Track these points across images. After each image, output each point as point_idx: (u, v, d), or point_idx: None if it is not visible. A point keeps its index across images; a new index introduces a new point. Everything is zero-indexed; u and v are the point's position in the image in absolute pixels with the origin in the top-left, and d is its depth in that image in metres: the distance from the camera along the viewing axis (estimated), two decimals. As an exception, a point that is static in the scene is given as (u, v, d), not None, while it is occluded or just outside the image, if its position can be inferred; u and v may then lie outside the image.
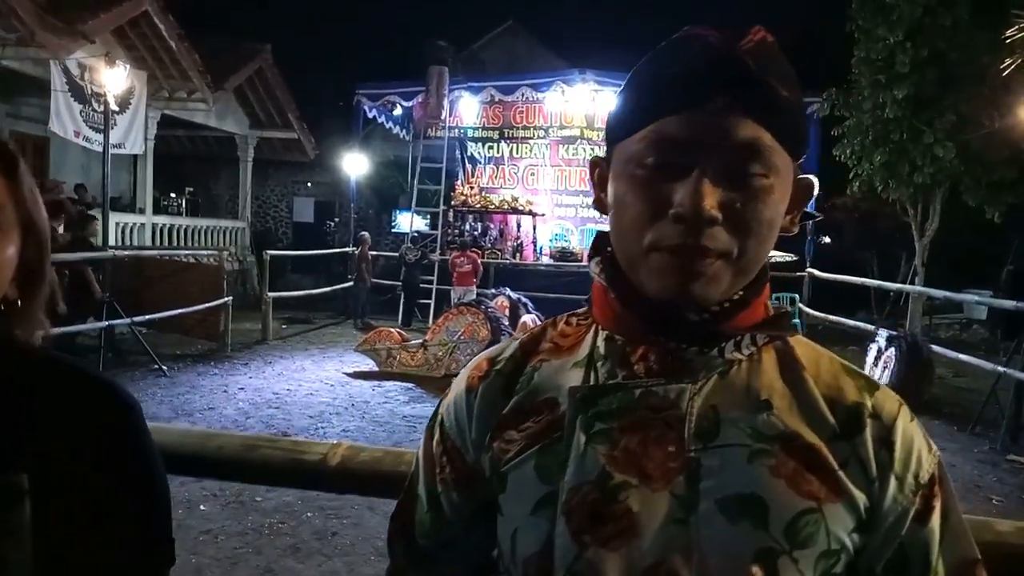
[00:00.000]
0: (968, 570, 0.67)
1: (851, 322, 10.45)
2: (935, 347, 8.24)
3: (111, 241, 8.92)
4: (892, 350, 7.91)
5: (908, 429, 0.68)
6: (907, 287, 11.29)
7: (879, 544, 0.66)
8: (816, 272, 11.85)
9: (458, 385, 0.78)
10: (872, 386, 0.70)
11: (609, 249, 0.71)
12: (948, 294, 9.32)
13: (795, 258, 12.32)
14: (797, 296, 11.94)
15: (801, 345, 0.72)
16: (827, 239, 17.14)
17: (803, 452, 0.65)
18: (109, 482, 0.81)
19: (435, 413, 0.80)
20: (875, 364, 8.30)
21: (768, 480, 0.63)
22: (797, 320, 11.71)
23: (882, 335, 8.42)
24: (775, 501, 0.62)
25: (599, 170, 0.74)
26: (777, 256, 12.11)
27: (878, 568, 0.66)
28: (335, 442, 1.13)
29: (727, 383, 0.67)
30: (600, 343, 0.72)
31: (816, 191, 0.71)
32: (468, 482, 0.75)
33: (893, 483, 0.65)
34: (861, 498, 0.64)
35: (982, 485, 5.46)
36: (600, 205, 0.73)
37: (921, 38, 9.64)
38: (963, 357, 7.89)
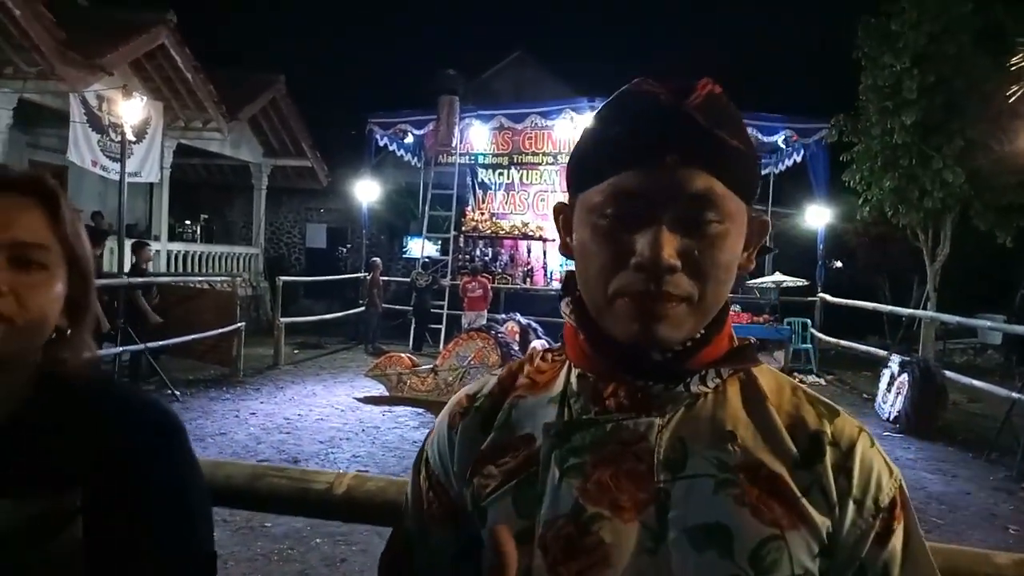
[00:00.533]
0: None
1: (863, 347, 10.39)
2: (949, 373, 8.17)
3: (126, 268, 9.04)
4: (905, 375, 7.86)
5: (867, 454, 0.70)
6: (919, 312, 11.24)
7: (841, 567, 0.68)
8: (828, 297, 11.82)
9: (441, 422, 0.81)
10: (832, 413, 0.72)
11: (578, 292, 0.74)
12: (961, 319, 9.26)
13: (807, 283, 12.30)
14: (809, 321, 11.90)
15: (764, 375, 0.74)
16: (839, 264, 17.10)
17: (766, 481, 0.67)
18: (157, 500, 0.86)
19: (421, 449, 0.82)
20: (888, 389, 8.24)
21: (733, 509, 0.65)
22: (809, 345, 11.65)
23: (895, 360, 8.38)
24: (740, 529, 0.65)
25: (563, 215, 0.76)
26: (789, 281, 12.09)
27: None
28: (341, 472, 1.17)
29: (693, 415, 0.70)
30: (573, 380, 0.74)
31: (770, 229, 0.74)
32: (453, 516, 0.77)
33: (852, 508, 0.68)
34: (823, 524, 0.67)
35: (998, 514, 5.38)
36: (566, 249, 0.75)
37: (927, 65, 9.72)
38: (977, 383, 7.82)
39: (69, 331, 0.88)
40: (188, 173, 16.49)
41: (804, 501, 0.67)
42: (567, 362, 0.76)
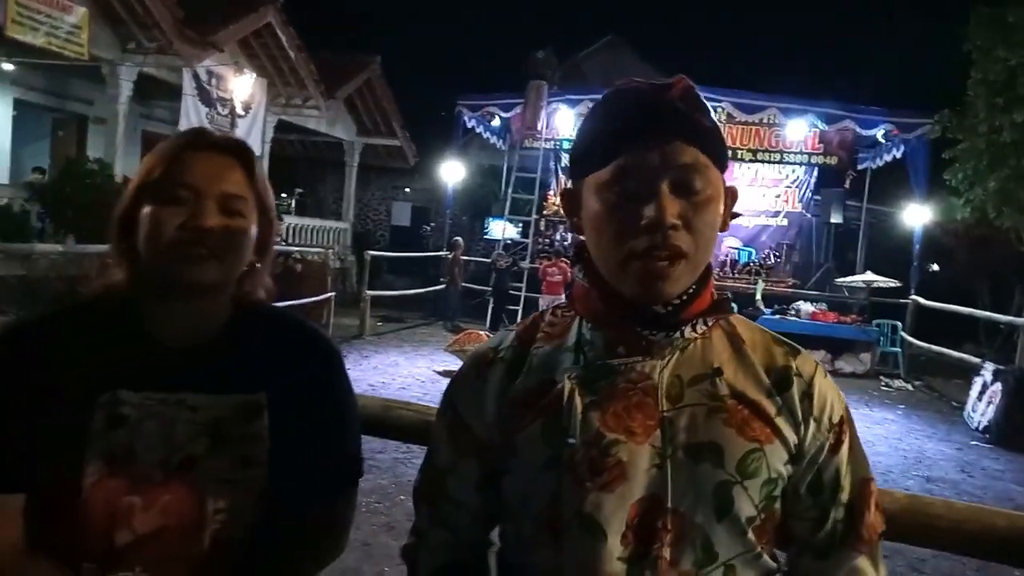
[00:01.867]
0: (865, 485, 0.89)
1: (956, 354, 9.99)
2: (1047, 384, 7.78)
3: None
4: (998, 385, 7.56)
5: (823, 384, 0.89)
6: (1019, 320, 10.67)
7: (803, 471, 0.87)
8: (921, 300, 11.37)
9: (467, 372, 0.95)
10: (795, 351, 0.90)
11: (587, 255, 0.89)
12: (1065, 330, 8.76)
13: (899, 284, 11.86)
14: (899, 324, 11.49)
15: (740, 324, 0.91)
16: (935, 266, 16.35)
17: (748, 406, 0.84)
18: (322, 404, 1.09)
19: (446, 396, 0.97)
20: (979, 398, 7.94)
21: (722, 429, 0.82)
22: (898, 349, 11.25)
23: (988, 369, 8.06)
24: (729, 445, 0.82)
25: (569, 200, 0.91)
26: (880, 281, 11.69)
27: (802, 488, 0.87)
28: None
29: (686, 357, 0.86)
30: (586, 331, 0.89)
31: (737, 196, 0.90)
32: (477, 452, 0.91)
33: (813, 425, 0.86)
34: (792, 438, 0.85)
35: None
36: (575, 228, 0.91)
37: (1046, 59, 9.16)
38: (1078, 397, 7.41)
39: (258, 265, 1.08)
40: (286, 148, 17.22)
41: (777, 420, 0.85)
42: (576, 317, 0.91)
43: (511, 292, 12.90)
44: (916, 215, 12.59)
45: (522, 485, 0.86)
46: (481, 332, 9.65)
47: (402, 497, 4.52)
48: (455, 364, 8.98)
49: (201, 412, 1.00)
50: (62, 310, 1.07)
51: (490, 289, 13.06)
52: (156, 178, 0.99)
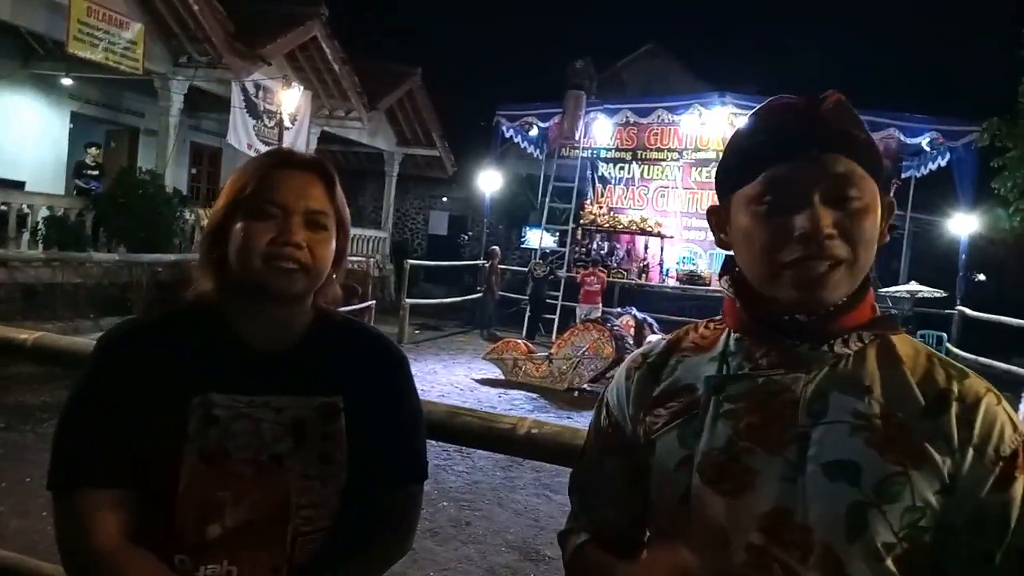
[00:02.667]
0: None
1: (1005, 366, 9.72)
2: (1102, 400, 7.54)
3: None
4: (1049, 399, 7.34)
5: (991, 409, 0.80)
6: (1072, 333, 10.35)
7: (960, 504, 0.78)
8: (967, 310, 11.11)
9: (620, 374, 0.99)
10: (962, 375, 0.84)
11: (737, 270, 0.90)
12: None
13: (945, 294, 11.60)
14: (944, 335, 11.24)
15: (903, 342, 0.87)
16: (982, 276, 15.94)
17: (896, 428, 0.80)
18: (392, 407, 1.17)
19: (601, 397, 1.02)
20: (1030, 413, 7.73)
21: (864, 449, 0.79)
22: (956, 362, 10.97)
23: (1039, 383, 7.83)
24: (868, 465, 0.78)
25: (716, 216, 0.92)
26: (925, 291, 11.45)
27: (959, 523, 0.78)
28: (523, 416, 1.39)
29: (836, 373, 0.83)
30: (731, 343, 0.90)
31: (895, 207, 0.88)
32: (627, 449, 0.94)
33: (972, 453, 0.78)
34: (945, 465, 0.78)
35: None
36: (722, 244, 0.91)
37: (1101, 65, 8.92)
38: None
39: (334, 276, 1.15)
40: (328, 159, 17.34)
41: (927, 445, 0.79)
42: (726, 329, 0.93)
43: (548, 301, 12.93)
44: (962, 224, 12.31)
45: (659, 483, 0.89)
46: (519, 341, 9.69)
47: (444, 503, 4.59)
48: (493, 372, 9.05)
49: (285, 413, 1.07)
50: (158, 318, 1.16)
51: (527, 298, 13.12)
52: (246, 195, 1.07)
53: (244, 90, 11.52)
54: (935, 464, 0.78)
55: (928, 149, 12.70)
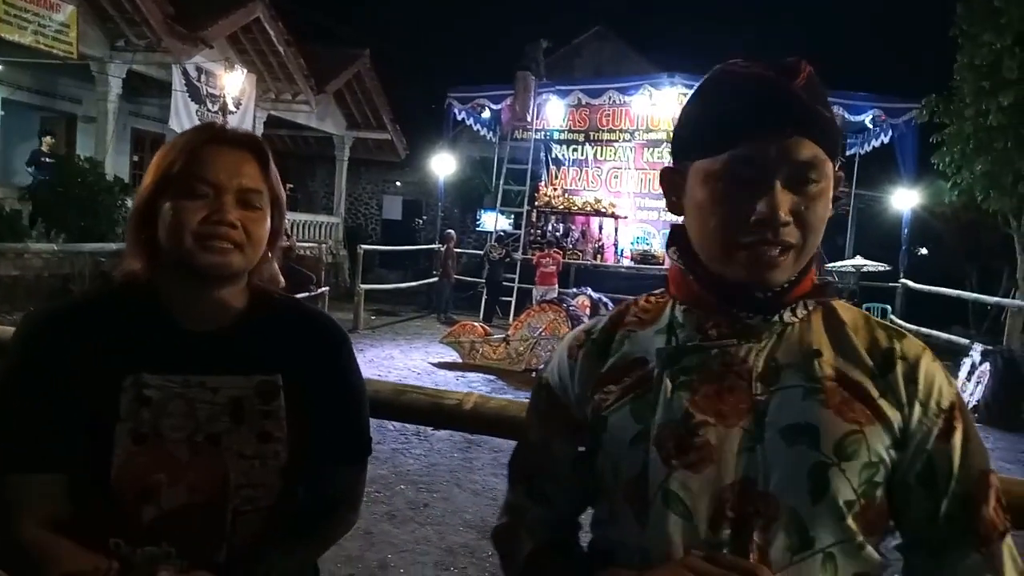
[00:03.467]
0: (983, 477, 0.83)
1: (945, 335, 10.11)
2: (1035, 364, 7.90)
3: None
4: (987, 365, 7.66)
5: (930, 368, 0.84)
6: (1006, 301, 10.81)
7: (911, 457, 0.82)
8: (910, 283, 11.49)
9: (560, 353, 0.96)
10: (899, 335, 0.87)
11: (685, 239, 0.89)
12: (1052, 310, 8.89)
13: (888, 268, 11.97)
14: (888, 308, 11.62)
15: (842, 307, 0.89)
16: (924, 250, 16.51)
17: (848, 387, 0.82)
18: (333, 385, 1.15)
19: (540, 378, 0.99)
20: (968, 379, 8.05)
21: (819, 411, 0.80)
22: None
23: (976, 350, 8.16)
24: (826, 426, 0.79)
25: (671, 181, 0.90)
26: (870, 265, 11.80)
27: (911, 478, 0.81)
28: (469, 392, 1.39)
29: (784, 340, 0.85)
30: (679, 314, 0.89)
31: (843, 180, 0.89)
32: (570, 430, 0.93)
33: (918, 408, 0.82)
34: (895, 421, 0.81)
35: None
36: (674, 208, 0.90)
37: (1031, 43, 9.25)
38: (1065, 376, 7.54)
39: (270, 254, 1.13)
40: (275, 143, 17.17)
41: (880, 402, 0.81)
42: (670, 301, 0.92)
43: (504, 283, 12.95)
44: (904, 199, 12.70)
45: (612, 460, 0.87)
46: (475, 324, 9.69)
47: (402, 486, 4.58)
48: (450, 356, 9.03)
49: (221, 392, 1.05)
50: (88, 299, 1.13)
51: (483, 281, 13.11)
52: (175, 173, 1.03)
53: (185, 74, 11.18)
54: (888, 420, 0.81)
55: (871, 126, 13.03)
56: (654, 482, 0.82)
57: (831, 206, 0.87)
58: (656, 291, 0.97)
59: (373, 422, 1.22)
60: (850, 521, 0.78)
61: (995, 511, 0.82)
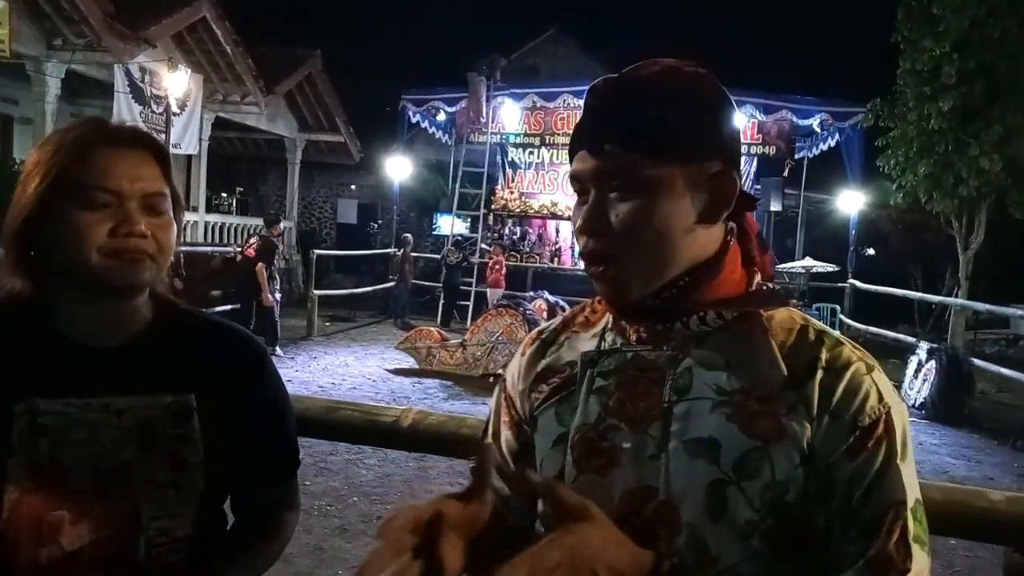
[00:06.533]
0: (893, 508, 0.73)
1: (892, 334, 10.38)
2: (978, 361, 8.16)
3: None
4: (932, 363, 7.87)
5: (856, 378, 0.77)
6: (950, 300, 11.16)
7: (817, 475, 0.75)
8: (858, 283, 11.76)
9: (519, 350, 0.99)
10: (835, 344, 0.80)
11: None
12: (992, 308, 9.20)
13: (837, 269, 12.25)
14: (838, 307, 11.87)
15: (781, 314, 0.83)
16: (871, 250, 16.95)
17: (756, 402, 0.77)
18: (253, 402, 1.06)
19: (502, 374, 1.00)
20: (915, 376, 8.25)
21: (723, 425, 0.77)
22: (836, 332, 11.61)
23: (923, 348, 8.38)
24: (727, 442, 0.76)
25: None
26: (819, 266, 12.05)
27: (813, 491, 0.75)
28: (407, 407, 1.31)
29: (702, 349, 0.81)
30: (610, 320, 0.90)
31: (737, 187, 0.82)
32: (517, 424, 0.94)
33: (827, 420, 0.75)
34: (804, 436, 0.75)
35: (1019, 499, 5.43)
36: None
37: (968, 49, 9.56)
38: (1006, 372, 7.81)
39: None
40: (225, 146, 16.78)
41: (787, 418, 0.76)
42: None
43: (462, 287, 12.86)
44: (851, 201, 13.00)
45: (540, 461, 0.88)
46: (432, 328, 9.58)
47: (355, 499, 4.46)
48: (407, 362, 8.90)
49: (128, 415, 0.96)
50: None
51: (440, 285, 13.00)
52: (66, 180, 0.93)
53: (128, 74, 10.81)
54: (795, 437, 0.75)
55: (819, 130, 13.33)
56: (567, 485, 0.81)
57: (719, 212, 0.82)
58: None
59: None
60: (755, 541, 0.74)
61: (896, 547, 0.72)
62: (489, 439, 0.98)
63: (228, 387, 1.03)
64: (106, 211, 0.93)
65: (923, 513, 0.76)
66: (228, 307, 9.20)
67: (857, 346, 0.82)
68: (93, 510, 0.93)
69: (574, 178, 0.83)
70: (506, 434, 0.96)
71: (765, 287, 0.87)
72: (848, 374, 0.77)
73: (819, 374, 0.77)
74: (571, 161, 0.85)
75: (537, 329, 0.99)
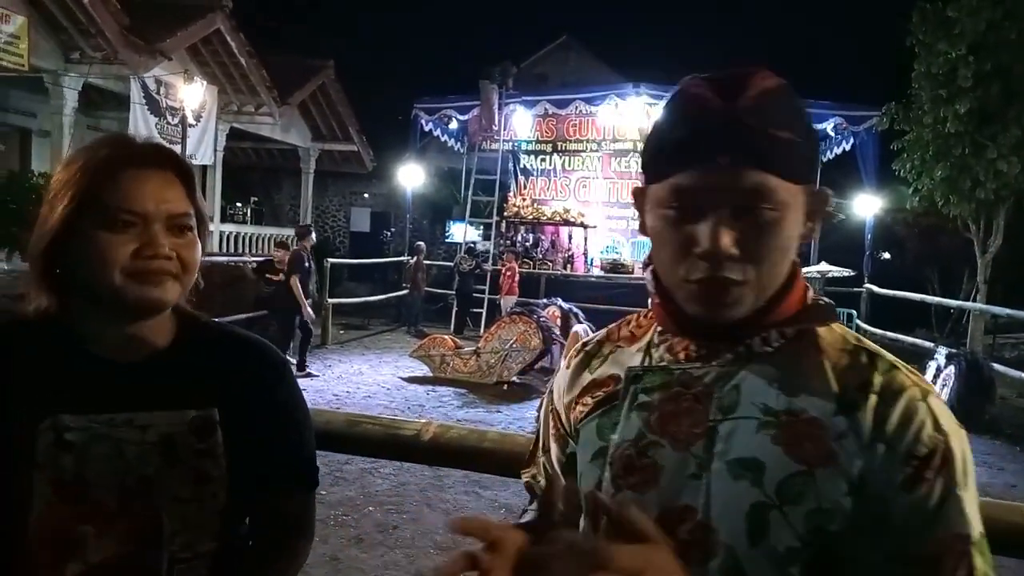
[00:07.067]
0: (957, 543, 0.70)
1: (910, 339, 10.26)
2: (998, 366, 8.04)
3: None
4: (951, 368, 7.76)
5: (912, 405, 0.73)
6: (968, 304, 11.03)
7: (868, 504, 0.72)
8: (874, 288, 11.66)
9: (563, 363, 0.99)
10: (889, 368, 0.77)
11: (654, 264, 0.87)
12: (1012, 312, 9.08)
13: (853, 273, 12.13)
14: (855, 313, 11.75)
15: (830, 333, 0.81)
16: (887, 255, 16.79)
17: (804, 424, 0.74)
18: (275, 416, 1.06)
19: (549, 382, 1.01)
20: (933, 382, 8.15)
21: (768, 447, 0.74)
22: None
23: (941, 353, 8.26)
24: (771, 464, 0.73)
25: (638, 201, 0.87)
26: (835, 271, 11.95)
27: (866, 525, 0.72)
28: (427, 420, 1.31)
29: (752, 367, 0.79)
30: (656, 334, 0.88)
31: (832, 199, 0.82)
32: (564, 437, 0.94)
33: (882, 450, 0.72)
34: (854, 464, 0.72)
35: (1043, 506, 5.34)
36: (643, 228, 0.86)
37: (984, 52, 9.47)
38: (1027, 377, 7.69)
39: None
40: (239, 156, 16.91)
41: (837, 443, 0.73)
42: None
43: (475, 295, 12.85)
44: (867, 205, 12.90)
45: (581, 474, 0.87)
46: (445, 336, 9.58)
47: (370, 508, 4.46)
48: (421, 370, 8.91)
49: (152, 431, 0.96)
50: None
51: (454, 293, 13.00)
52: (92, 201, 0.94)
53: (144, 86, 10.93)
54: (843, 463, 0.72)
55: (833, 134, 13.23)
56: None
57: (815, 228, 0.81)
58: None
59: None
60: (794, 570, 0.72)
61: None
62: (540, 451, 0.99)
63: (249, 399, 1.04)
64: (131, 232, 0.94)
65: (987, 547, 0.72)
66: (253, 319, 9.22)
67: (912, 370, 0.78)
68: (117, 525, 0.93)
69: (685, 192, 0.76)
70: (554, 447, 0.96)
71: (820, 301, 0.84)
72: (903, 401, 0.74)
73: (872, 400, 0.74)
74: (665, 172, 0.78)
75: (582, 341, 0.98)
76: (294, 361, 8.76)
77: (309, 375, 8.39)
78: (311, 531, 1.15)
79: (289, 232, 16.29)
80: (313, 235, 9.23)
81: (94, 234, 0.93)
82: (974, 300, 11.21)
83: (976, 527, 0.71)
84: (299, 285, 8.45)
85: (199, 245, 1.00)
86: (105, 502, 0.93)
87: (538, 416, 1.03)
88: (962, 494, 0.72)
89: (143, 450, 0.96)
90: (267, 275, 8.84)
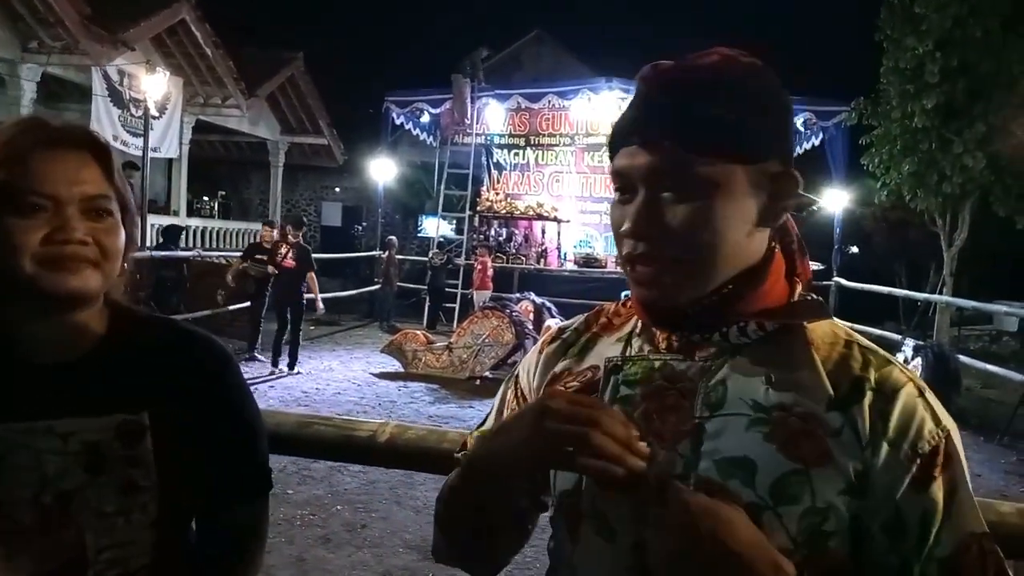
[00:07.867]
0: (974, 541, 0.69)
1: (878, 332, 10.38)
2: (963, 358, 8.17)
3: (147, 242, 9.18)
4: (918, 360, 7.85)
5: (910, 402, 0.71)
6: (934, 297, 11.20)
7: (876, 506, 0.70)
8: (843, 281, 11.79)
9: (536, 345, 0.95)
10: (882, 363, 0.74)
11: None
12: (977, 304, 9.23)
13: (822, 267, 12.26)
14: (823, 305, 11.86)
15: (823, 327, 0.78)
16: (855, 249, 17.03)
17: (797, 420, 0.71)
18: (216, 417, 0.98)
19: (514, 368, 0.96)
20: (901, 374, 8.27)
21: (760, 445, 0.71)
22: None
23: (908, 345, 8.37)
24: (764, 463, 0.70)
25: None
26: (803, 265, 12.05)
27: (875, 527, 0.70)
28: (383, 420, 1.24)
29: (739, 361, 0.75)
30: (638, 324, 0.84)
31: (800, 183, 0.77)
32: None
33: (886, 449, 0.70)
34: (852, 463, 0.70)
35: (1009, 495, 5.42)
36: None
37: (951, 48, 9.59)
38: (992, 368, 7.83)
39: (125, 265, 0.96)
40: (206, 149, 16.61)
41: (831, 441, 0.70)
42: None
43: (447, 290, 12.76)
44: (835, 200, 13.03)
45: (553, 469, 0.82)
46: (418, 332, 9.48)
47: (338, 507, 4.37)
48: (392, 366, 8.80)
49: (73, 439, 0.88)
50: None
51: (426, 288, 12.90)
52: (0, 187, 0.86)
53: (106, 77, 10.66)
54: (839, 462, 0.70)
55: (802, 129, 13.32)
56: (586, 499, 0.77)
57: (779, 212, 0.76)
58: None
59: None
60: None
61: None
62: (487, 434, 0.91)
63: (188, 401, 0.95)
64: (41, 217, 0.86)
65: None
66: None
67: (905, 367, 0.76)
68: (34, 544, 0.86)
69: (619, 174, 0.76)
70: None
71: (808, 298, 0.80)
72: (901, 397, 0.72)
73: (868, 396, 0.72)
74: (612, 155, 0.77)
75: (559, 327, 0.94)
76: (266, 358, 8.59)
77: (299, 373, 8.33)
78: (264, 537, 1.08)
79: (258, 226, 16.08)
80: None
81: (2, 221, 0.85)
82: (940, 293, 11.39)
83: (983, 522, 0.72)
84: (315, 279, 8.53)
85: (122, 230, 0.92)
86: (20, 519, 0.85)
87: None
88: (968, 490, 0.72)
89: (64, 460, 0.88)
90: (256, 256, 8.68)
